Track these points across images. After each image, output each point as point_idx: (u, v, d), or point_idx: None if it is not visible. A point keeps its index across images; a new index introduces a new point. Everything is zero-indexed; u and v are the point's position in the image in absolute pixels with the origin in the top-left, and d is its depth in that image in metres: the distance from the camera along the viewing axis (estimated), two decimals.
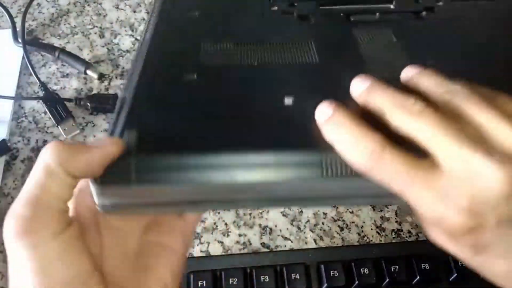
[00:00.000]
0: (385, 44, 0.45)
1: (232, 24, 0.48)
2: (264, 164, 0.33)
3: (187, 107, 0.37)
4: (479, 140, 0.29)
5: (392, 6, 0.51)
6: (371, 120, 0.32)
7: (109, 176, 0.33)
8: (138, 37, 0.65)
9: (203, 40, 0.44)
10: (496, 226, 0.28)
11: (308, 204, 0.44)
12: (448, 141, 0.29)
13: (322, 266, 0.43)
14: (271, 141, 0.34)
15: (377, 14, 0.50)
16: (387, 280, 0.42)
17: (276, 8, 0.50)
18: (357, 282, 0.42)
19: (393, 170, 0.29)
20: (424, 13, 0.51)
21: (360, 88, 0.33)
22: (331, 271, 0.42)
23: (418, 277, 0.42)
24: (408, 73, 0.35)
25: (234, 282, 0.42)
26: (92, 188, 0.34)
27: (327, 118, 0.32)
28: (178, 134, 0.35)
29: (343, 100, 0.35)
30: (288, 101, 0.38)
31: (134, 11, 0.68)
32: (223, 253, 0.48)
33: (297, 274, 0.42)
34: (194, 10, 0.48)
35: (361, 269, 0.43)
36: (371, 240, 0.48)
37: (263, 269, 0.43)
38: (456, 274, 0.42)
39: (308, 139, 0.33)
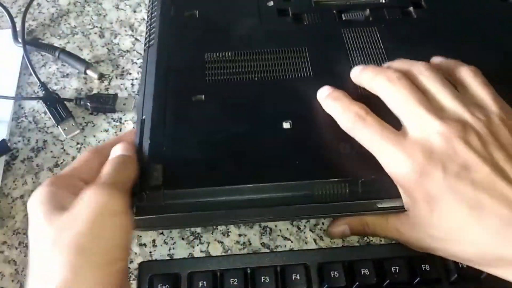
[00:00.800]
0: (373, 47, 0.49)
1: (231, 28, 0.50)
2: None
3: (201, 136, 0.42)
4: (432, 106, 0.37)
5: (382, 0, 0.54)
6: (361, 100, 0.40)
7: (142, 209, 0.39)
8: (138, 37, 0.64)
9: (206, 49, 0.48)
10: (443, 178, 0.34)
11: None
12: (410, 106, 0.37)
13: (323, 266, 0.43)
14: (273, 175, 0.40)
15: (368, 10, 0.52)
16: (388, 281, 0.41)
17: (271, 3, 0.53)
18: (357, 283, 0.42)
19: (371, 130, 0.38)
20: (411, 8, 0.52)
21: (357, 70, 0.43)
22: (331, 272, 0.42)
23: (418, 278, 0.41)
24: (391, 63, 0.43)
25: (235, 283, 0.42)
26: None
27: (326, 95, 0.42)
28: (198, 170, 0.41)
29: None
30: (286, 125, 0.43)
31: (134, 11, 0.67)
32: (223, 253, 0.47)
33: (298, 275, 0.42)
34: (193, 10, 0.50)
35: (362, 269, 0.42)
36: (371, 240, 0.48)
37: (263, 269, 0.43)
38: (456, 275, 0.41)
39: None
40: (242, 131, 0.42)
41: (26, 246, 0.49)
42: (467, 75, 0.40)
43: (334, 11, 0.52)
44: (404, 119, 0.38)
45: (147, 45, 0.49)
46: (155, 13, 0.51)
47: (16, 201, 0.52)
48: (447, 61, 0.42)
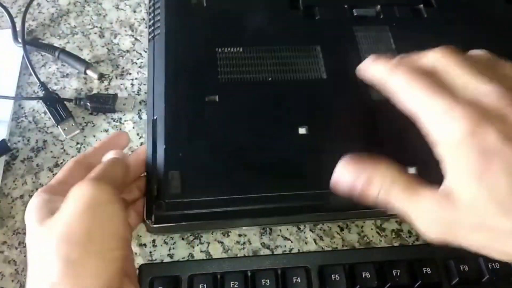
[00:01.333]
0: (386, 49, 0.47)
1: (241, 19, 0.48)
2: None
3: (216, 141, 0.41)
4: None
5: None
6: None
7: (162, 217, 0.39)
8: (138, 37, 0.64)
9: (217, 43, 0.45)
10: (499, 133, 0.31)
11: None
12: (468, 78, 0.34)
13: (324, 269, 0.42)
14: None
15: (378, 6, 0.50)
16: (389, 284, 0.41)
17: None
18: (358, 286, 0.41)
19: (422, 85, 0.34)
20: (422, 6, 0.50)
21: (368, 63, 0.39)
22: (332, 275, 0.41)
23: (419, 281, 0.41)
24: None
25: (235, 285, 0.41)
26: (146, 222, 0.41)
27: (370, 61, 0.38)
28: (216, 178, 0.40)
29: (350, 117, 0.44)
30: (302, 130, 0.42)
31: (134, 11, 0.66)
32: (223, 253, 0.47)
33: (298, 278, 0.41)
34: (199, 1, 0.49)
35: (363, 272, 0.41)
36: (371, 240, 0.47)
37: (264, 272, 0.42)
38: (458, 279, 0.41)
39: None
40: (258, 137, 0.42)
41: (26, 246, 0.48)
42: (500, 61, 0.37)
43: (346, 6, 0.50)
44: (458, 83, 0.34)
45: (152, 35, 0.48)
46: (159, 0, 0.50)
47: (16, 201, 0.51)
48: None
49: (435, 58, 0.36)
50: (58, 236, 0.33)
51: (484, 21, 0.50)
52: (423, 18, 0.50)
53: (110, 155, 0.41)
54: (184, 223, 0.39)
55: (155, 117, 0.42)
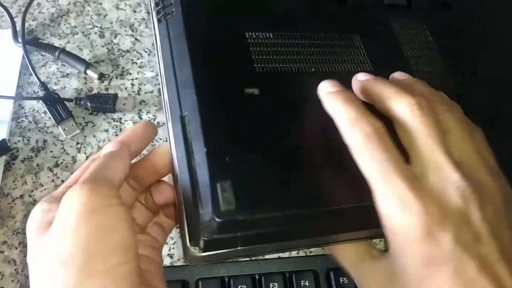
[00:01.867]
0: (425, 40, 0.42)
1: (268, 4, 0.40)
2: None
3: (264, 143, 0.32)
4: (454, 155, 0.29)
5: None
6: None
7: (213, 242, 0.29)
8: (138, 37, 0.63)
9: (246, 27, 0.37)
10: (452, 245, 0.27)
11: None
12: (433, 147, 0.29)
13: (332, 273, 0.42)
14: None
15: None
16: None
17: None
18: None
19: (383, 158, 0.29)
20: None
21: (365, 79, 0.34)
22: (340, 278, 0.41)
23: None
24: (400, 77, 0.35)
25: None
26: (190, 250, 0.31)
27: (331, 92, 0.33)
28: (273, 189, 0.30)
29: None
30: None
31: (134, 11, 0.66)
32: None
33: (306, 281, 0.41)
34: None
35: None
36: (374, 242, 0.46)
37: (272, 276, 0.41)
38: None
39: None
40: (311, 135, 0.33)
41: (26, 246, 0.47)
42: (481, 134, 0.33)
43: None
44: (422, 159, 0.29)
45: (162, 14, 0.38)
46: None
47: (16, 201, 0.51)
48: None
49: (405, 112, 0.30)
50: (52, 256, 0.27)
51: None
52: (452, 8, 0.46)
53: (107, 148, 0.34)
54: (241, 248, 0.30)
55: (184, 113, 0.33)
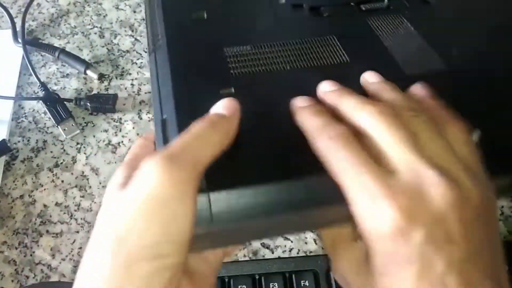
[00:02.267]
0: (404, 33, 0.42)
1: (245, 25, 0.43)
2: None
3: (240, 132, 0.32)
4: (427, 153, 0.28)
5: None
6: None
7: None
8: (138, 37, 0.62)
9: (224, 44, 0.39)
10: (422, 244, 0.26)
11: None
12: (406, 148, 0.28)
13: (331, 273, 0.41)
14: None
15: (386, 0, 0.46)
16: None
17: (283, 1, 0.46)
18: None
19: (353, 156, 0.28)
20: None
21: (329, 90, 0.33)
22: None
23: None
24: (369, 79, 0.34)
25: None
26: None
27: (302, 106, 0.32)
28: (243, 169, 0.30)
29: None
30: None
31: (134, 11, 0.65)
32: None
33: (306, 281, 0.40)
34: (200, 11, 0.43)
35: None
36: None
37: (272, 276, 0.41)
38: None
39: None
40: (286, 122, 0.34)
41: (26, 246, 0.48)
42: (460, 131, 0.31)
43: (352, 3, 0.46)
44: (393, 160, 0.28)
45: (152, 49, 0.43)
46: (157, 17, 0.47)
47: (16, 201, 0.50)
48: (439, 109, 0.33)
49: (370, 122, 0.29)
50: (109, 230, 0.27)
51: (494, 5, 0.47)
52: (433, 5, 0.47)
53: (214, 109, 0.31)
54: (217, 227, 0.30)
55: (164, 117, 0.36)
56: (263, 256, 0.46)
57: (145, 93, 0.57)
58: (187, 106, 0.35)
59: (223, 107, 0.30)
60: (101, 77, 0.59)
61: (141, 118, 0.55)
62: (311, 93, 0.35)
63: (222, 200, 0.29)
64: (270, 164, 0.31)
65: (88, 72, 0.58)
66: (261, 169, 0.31)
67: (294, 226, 0.33)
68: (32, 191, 0.51)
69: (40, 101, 0.56)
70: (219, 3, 0.44)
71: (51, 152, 0.53)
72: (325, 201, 0.30)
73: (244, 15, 0.44)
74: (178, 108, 0.34)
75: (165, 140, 0.33)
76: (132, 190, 0.26)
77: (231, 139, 0.29)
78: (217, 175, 0.29)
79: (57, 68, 0.60)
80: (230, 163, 0.30)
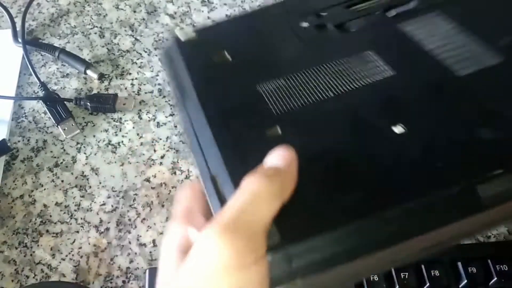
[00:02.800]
0: (444, 31, 0.38)
1: (271, 57, 0.39)
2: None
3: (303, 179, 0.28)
4: None
5: None
6: None
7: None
8: (138, 37, 0.61)
9: (256, 82, 0.36)
10: None
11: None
12: None
13: None
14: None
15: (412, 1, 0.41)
16: (397, 286, 0.39)
17: (306, 24, 0.41)
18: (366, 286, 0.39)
19: None
20: None
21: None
22: None
23: (427, 284, 0.39)
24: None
25: None
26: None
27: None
28: (317, 213, 0.27)
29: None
30: (398, 129, 0.31)
31: (134, 11, 0.64)
32: None
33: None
34: (221, 53, 0.39)
35: (370, 276, 0.39)
36: None
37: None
38: (466, 281, 0.39)
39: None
40: (350, 153, 0.31)
41: (26, 246, 0.47)
42: None
43: (378, 12, 0.41)
44: None
45: (179, 100, 0.39)
46: (178, 67, 0.40)
47: (16, 201, 0.50)
48: None
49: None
50: None
51: None
52: None
53: (268, 162, 0.27)
54: (301, 280, 0.27)
55: (213, 173, 0.32)
56: None
57: (145, 93, 0.57)
58: (237, 157, 0.31)
59: (278, 158, 0.27)
60: (101, 77, 0.58)
61: (141, 118, 0.54)
62: (365, 118, 0.32)
63: (302, 252, 0.26)
64: (348, 202, 0.28)
65: (88, 72, 0.58)
66: (340, 209, 0.27)
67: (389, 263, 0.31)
68: (32, 191, 0.50)
69: (40, 101, 0.56)
70: (237, 41, 0.40)
71: (51, 152, 0.53)
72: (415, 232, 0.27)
73: (268, 47, 0.40)
74: (227, 163, 0.31)
75: (221, 200, 0.29)
76: (191, 265, 0.24)
77: (291, 192, 0.26)
78: (289, 226, 0.26)
79: (57, 68, 0.59)
80: (299, 210, 0.27)
